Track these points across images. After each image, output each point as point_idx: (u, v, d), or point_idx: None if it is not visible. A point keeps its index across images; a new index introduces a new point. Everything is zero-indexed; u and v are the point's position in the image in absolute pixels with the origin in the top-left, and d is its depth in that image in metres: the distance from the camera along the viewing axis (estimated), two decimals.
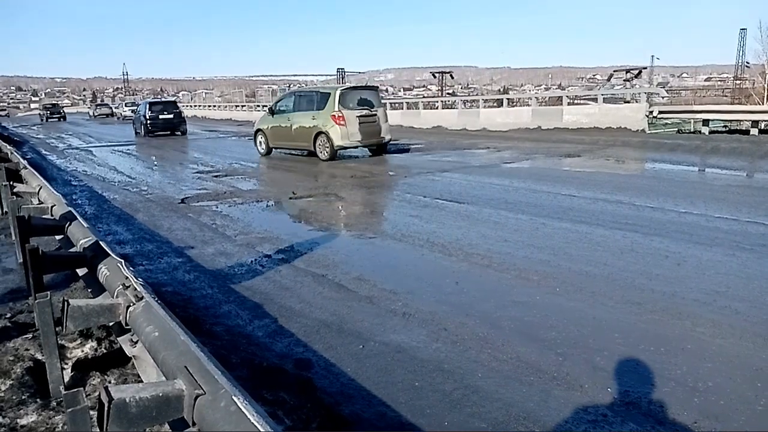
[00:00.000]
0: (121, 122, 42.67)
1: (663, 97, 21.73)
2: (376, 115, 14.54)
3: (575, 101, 24.77)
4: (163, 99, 49.84)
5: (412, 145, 18.56)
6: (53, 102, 74.83)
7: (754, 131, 16.92)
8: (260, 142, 16.17)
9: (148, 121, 25.78)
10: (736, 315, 3.93)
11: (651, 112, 18.49)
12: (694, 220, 6.73)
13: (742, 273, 4.84)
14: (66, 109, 74.79)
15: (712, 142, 15.81)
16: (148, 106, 26.94)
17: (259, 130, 16.13)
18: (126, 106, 50.95)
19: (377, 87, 17.91)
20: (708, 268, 4.99)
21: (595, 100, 22.08)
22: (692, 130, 19.91)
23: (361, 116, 14.09)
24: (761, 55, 40.45)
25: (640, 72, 41.65)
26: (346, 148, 14.24)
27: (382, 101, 16.29)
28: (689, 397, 2.91)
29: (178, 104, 29.38)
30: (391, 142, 15.24)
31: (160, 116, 25.78)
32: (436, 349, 3.53)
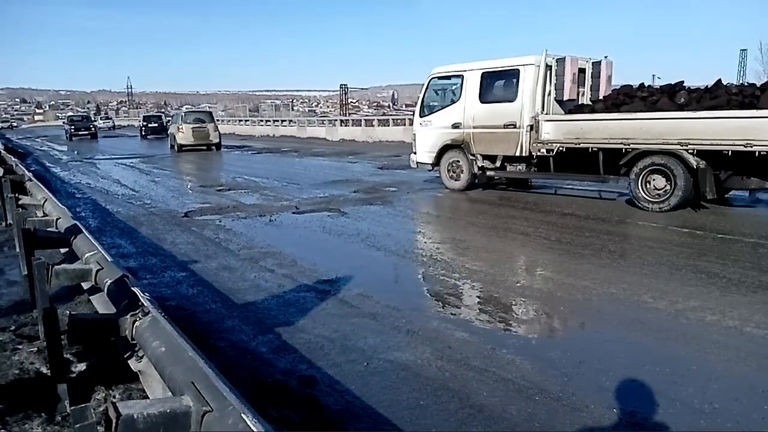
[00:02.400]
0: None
1: None
2: (205, 128, 25.42)
3: None
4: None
5: None
6: (82, 114, 55.38)
7: None
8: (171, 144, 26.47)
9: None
10: (741, 336, 3.92)
11: None
12: (689, 239, 6.72)
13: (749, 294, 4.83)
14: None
15: None
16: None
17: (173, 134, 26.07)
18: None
19: (210, 111, 33.55)
20: (713, 287, 4.97)
21: None
22: None
23: (193, 127, 25.18)
24: (762, 75, 40.67)
25: None
26: (184, 146, 24.75)
27: (214, 118, 27.99)
28: (695, 419, 2.90)
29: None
30: (392, 157, 16.41)
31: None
32: (440, 367, 3.52)
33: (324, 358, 3.68)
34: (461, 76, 10.99)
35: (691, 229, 7.37)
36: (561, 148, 9.47)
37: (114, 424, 1.75)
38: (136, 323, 2.69)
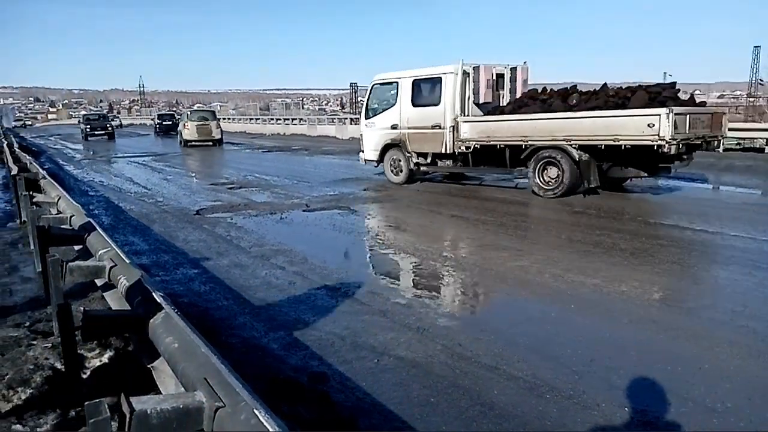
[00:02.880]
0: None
1: None
2: (208, 125, 28.01)
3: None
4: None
5: None
6: (99, 112, 51.84)
7: None
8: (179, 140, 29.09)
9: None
10: (754, 335, 3.89)
11: None
12: (710, 238, 6.67)
13: (760, 292, 4.79)
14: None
15: (727, 160, 15.70)
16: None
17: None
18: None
19: (213, 110, 39.16)
20: (725, 286, 4.94)
21: None
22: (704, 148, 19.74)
23: (197, 124, 27.71)
24: None
25: None
26: (189, 141, 27.23)
27: (216, 117, 30.95)
28: (708, 418, 2.88)
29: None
30: None
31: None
32: (451, 364, 3.52)
33: (335, 354, 3.69)
34: (397, 83, 12.27)
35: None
36: (476, 146, 10.87)
37: (128, 419, 1.77)
38: (150, 319, 2.72)
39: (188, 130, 27.47)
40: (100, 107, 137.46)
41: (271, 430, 1.62)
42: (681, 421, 2.85)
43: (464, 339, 3.88)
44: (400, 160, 12.34)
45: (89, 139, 34.61)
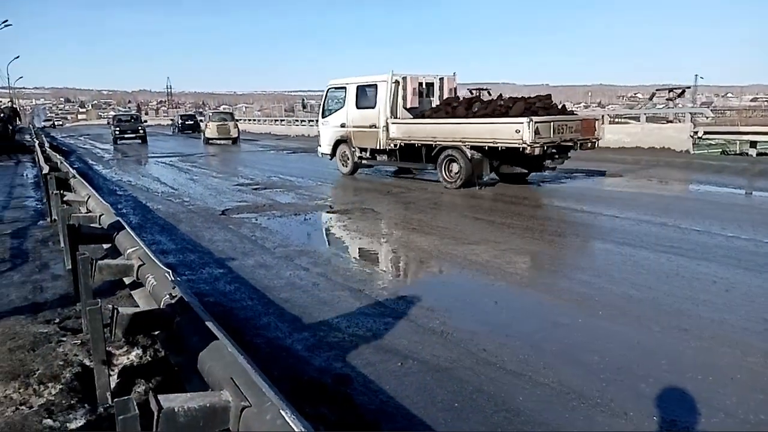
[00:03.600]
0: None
1: (708, 118, 21.23)
2: (227, 124, 31.73)
3: (616, 120, 24.35)
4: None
5: None
6: (130, 113, 46.51)
7: None
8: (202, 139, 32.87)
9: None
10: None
11: (695, 133, 18.08)
12: (743, 244, 6.51)
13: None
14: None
15: (760, 165, 15.34)
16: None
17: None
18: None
19: (231, 112, 42.11)
20: (759, 295, 4.82)
21: (637, 119, 21.71)
22: (738, 152, 19.38)
23: (218, 124, 31.53)
24: None
25: (683, 91, 40.57)
26: (210, 139, 31.04)
27: (234, 118, 34.87)
28: (740, 430, 2.81)
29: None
30: None
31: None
32: (475, 369, 3.49)
33: (358, 356, 3.69)
34: (345, 88, 14.21)
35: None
36: (402, 143, 12.87)
37: (155, 417, 1.79)
38: (176, 319, 2.74)
39: (210, 129, 31.69)
40: (129, 108, 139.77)
41: (296, 430, 1.62)
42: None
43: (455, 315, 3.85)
44: (347, 154, 14.41)
45: (118, 142, 31.68)
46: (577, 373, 3.42)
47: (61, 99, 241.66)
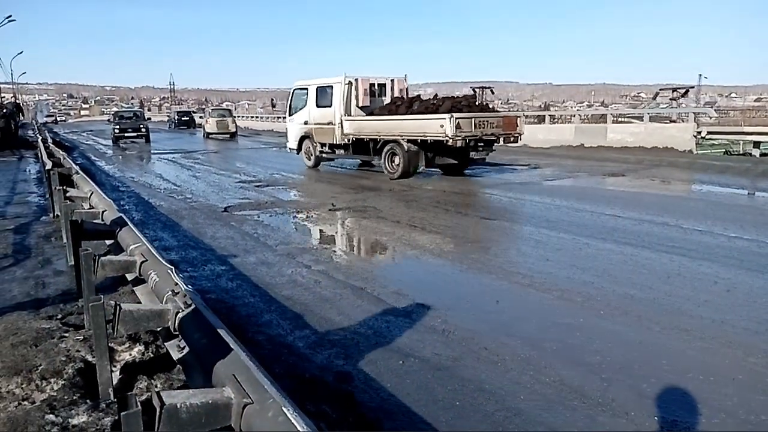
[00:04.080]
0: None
1: (711, 118, 21.19)
2: (226, 120, 34.42)
3: (620, 119, 24.31)
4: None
5: None
6: (132, 109, 44.07)
7: None
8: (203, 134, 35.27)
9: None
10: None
11: (699, 133, 18.04)
12: (745, 245, 6.51)
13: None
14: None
15: (764, 165, 15.33)
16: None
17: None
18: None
19: (230, 109, 49.15)
20: (760, 296, 4.81)
21: (640, 118, 21.69)
22: (741, 152, 19.37)
23: (217, 120, 34.19)
24: None
25: (687, 91, 40.48)
26: (210, 133, 33.51)
27: (233, 114, 37.78)
28: (741, 429, 2.81)
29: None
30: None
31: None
32: (476, 368, 3.50)
33: (360, 354, 3.69)
34: (307, 89, 15.72)
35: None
36: (354, 138, 14.32)
37: (158, 413, 1.79)
38: (179, 314, 2.75)
39: (210, 125, 34.46)
40: (131, 104, 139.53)
41: (299, 428, 1.62)
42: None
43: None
44: (311, 149, 15.90)
45: (119, 142, 28.91)
46: (579, 372, 3.42)
47: (65, 95, 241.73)
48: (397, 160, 13.14)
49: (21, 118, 37.06)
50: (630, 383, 3.28)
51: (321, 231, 8.09)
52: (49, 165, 9.89)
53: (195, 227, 7.91)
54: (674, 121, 21.70)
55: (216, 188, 12.16)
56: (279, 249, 6.61)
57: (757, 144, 17.55)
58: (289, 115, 16.84)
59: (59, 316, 4.20)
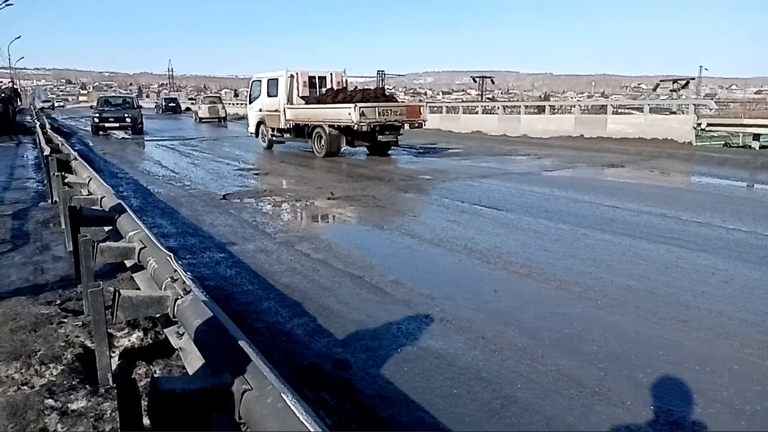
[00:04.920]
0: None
1: (711, 109, 21.14)
2: (216, 106, 37.93)
3: (620, 110, 24.27)
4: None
5: (450, 149, 18.50)
6: (123, 95, 33.93)
7: None
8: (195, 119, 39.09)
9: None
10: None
11: (699, 124, 18.02)
12: (743, 237, 6.52)
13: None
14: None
15: (763, 158, 15.32)
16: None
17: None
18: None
19: (220, 96, 49.49)
20: (757, 287, 4.83)
21: (640, 109, 21.64)
22: (741, 144, 19.36)
23: (209, 106, 37.59)
24: None
25: (687, 82, 40.40)
26: (203, 119, 36.72)
27: (222, 101, 41.57)
28: (736, 420, 2.83)
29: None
30: (427, 145, 19.75)
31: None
32: (474, 356, 3.52)
33: (358, 342, 3.71)
34: (260, 81, 18.15)
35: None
36: (293, 124, 16.75)
37: (157, 398, 1.80)
38: (178, 301, 2.75)
39: (202, 111, 38.22)
40: (130, 90, 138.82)
41: (297, 413, 1.63)
42: (708, 422, 2.80)
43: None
44: (265, 133, 18.31)
45: (100, 133, 24.25)
46: (576, 362, 3.44)
47: (62, 80, 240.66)
48: (322, 141, 15.53)
49: (19, 103, 36.88)
50: (626, 373, 3.30)
51: (320, 219, 8.09)
52: (47, 151, 9.85)
53: (194, 214, 7.90)
54: (674, 113, 21.68)
55: (215, 175, 12.13)
56: (278, 237, 6.62)
57: (756, 136, 17.54)
58: (249, 103, 19.39)
59: (58, 302, 4.20)
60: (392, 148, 16.51)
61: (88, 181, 6.59)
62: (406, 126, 15.66)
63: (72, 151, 9.87)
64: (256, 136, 18.86)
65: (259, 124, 18.57)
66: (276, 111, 17.15)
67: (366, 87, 18.94)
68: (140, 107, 28.26)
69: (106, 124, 24.31)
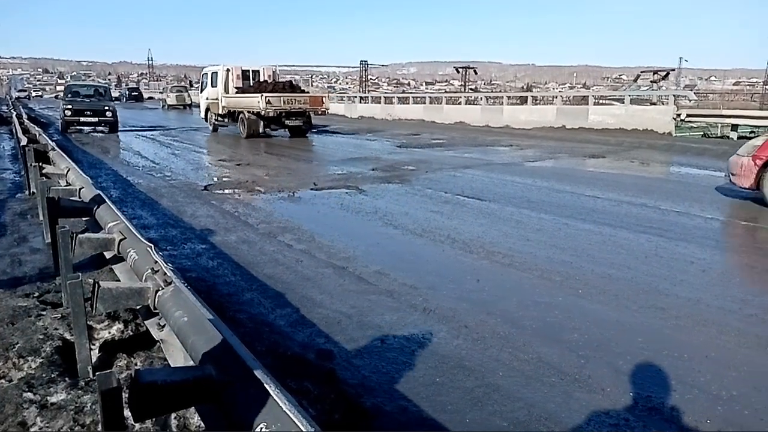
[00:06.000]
0: None
1: (691, 100, 21.40)
2: (183, 94, 46.32)
3: (601, 101, 24.45)
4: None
5: (433, 140, 18.52)
6: (95, 84, 26.92)
7: None
8: (162, 105, 46.56)
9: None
10: (763, 324, 3.88)
11: (678, 115, 18.24)
12: (720, 226, 6.62)
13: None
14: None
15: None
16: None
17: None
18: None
19: (185, 86, 50.24)
20: (734, 275, 4.92)
21: (621, 100, 21.82)
22: (720, 135, 19.64)
23: (176, 94, 46.45)
24: None
25: (667, 74, 40.75)
26: (171, 105, 44.80)
27: (188, 89, 47.19)
28: (713, 406, 2.88)
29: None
30: (410, 135, 20.82)
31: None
32: (456, 345, 3.54)
33: (341, 332, 3.71)
34: (207, 73, 21.92)
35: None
36: (228, 110, 20.13)
37: (138, 390, 1.79)
38: (159, 293, 2.73)
39: (170, 98, 45.66)
40: (108, 80, 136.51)
41: (281, 404, 1.63)
42: (686, 407, 2.85)
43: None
44: (211, 118, 21.72)
45: (69, 130, 20.20)
46: (557, 350, 3.47)
47: (39, 69, 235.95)
48: (244, 124, 18.64)
49: None
50: (607, 360, 3.34)
51: (303, 210, 8.05)
52: (24, 141, 9.68)
53: (174, 205, 7.83)
54: (654, 104, 21.91)
55: (195, 166, 12.02)
56: (260, 228, 6.58)
57: (734, 127, 17.82)
58: (201, 92, 22.90)
59: (36, 294, 4.14)
60: (326, 133, 20.77)
61: (66, 172, 6.49)
62: (310, 113, 19.06)
63: (50, 142, 9.72)
64: (206, 120, 22.34)
65: (207, 110, 22.05)
66: (216, 99, 20.64)
67: (291, 81, 22.05)
68: (114, 98, 25.08)
69: (81, 119, 19.85)
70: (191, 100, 43.72)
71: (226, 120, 20.45)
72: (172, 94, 46.17)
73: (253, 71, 20.69)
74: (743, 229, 6.59)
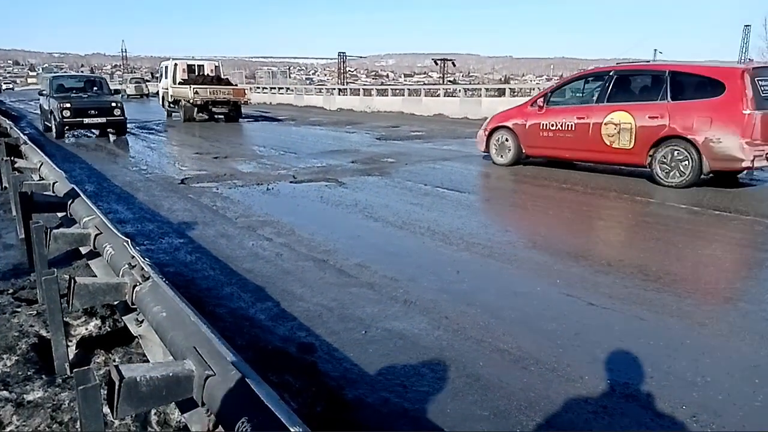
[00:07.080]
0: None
1: None
2: (141, 85, 53.16)
3: None
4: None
5: (413, 132, 18.53)
6: (89, 76, 21.33)
7: None
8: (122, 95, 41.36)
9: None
10: (735, 312, 3.97)
11: None
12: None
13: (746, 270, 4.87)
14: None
15: None
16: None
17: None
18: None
19: (143, 77, 66.16)
20: (708, 264, 5.02)
21: None
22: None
23: (134, 86, 52.77)
24: (764, 52, 40.30)
25: None
26: (130, 95, 48.28)
27: (145, 81, 57.38)
28: (688, 391, 2.94)
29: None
30: (390, 127, 20.55)
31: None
32: (437, 336, 3.56)
33: (322, 325, 3.71)
34: (163, 66, 25.36)
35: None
36: (174, 99, 23.24)
37: (117, 387, 1.77)
38: (136, 288, 2.70)
39: (130, 89, 50.44)
40: (81, 72, 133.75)
41: (262, 397, 1.62)
42: (662, 393, 2.91)
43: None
44: (165, 105, 24.61)
45: (66, 134, 15.95)
46: (536, 339, 3.52)
47: (9, 61, 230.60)
48: (182, 111, 22.28)
49: None
50: (585, 349, 3.39)
51: (283, 203, 8.00)
52: None
53: (151, 200, 7.73)
54: None
55: (171, 159, 11.87)
56: (239, 222, 6.53)
57: None
58: (159, 82, 27.02)
59: (10, 291, 4.07)
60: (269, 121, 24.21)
61: (40, 166, 6.37)
62: (234, 102, 22.61)
63: (22, 135, 9.52)
64: (163, 107, 25.28)
65: (162, 98, 25.31)
66: (166, 89, 24.04)
67: (220, 75, 24.87)
68: (115, 92, 19.28)
69: (85, 120, 15.45)
70: (149, 90, 50.08)
71: (175, 107, 23.49)
72: (131, 85, 52.89)
73: (198, 66, 25.00)
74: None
